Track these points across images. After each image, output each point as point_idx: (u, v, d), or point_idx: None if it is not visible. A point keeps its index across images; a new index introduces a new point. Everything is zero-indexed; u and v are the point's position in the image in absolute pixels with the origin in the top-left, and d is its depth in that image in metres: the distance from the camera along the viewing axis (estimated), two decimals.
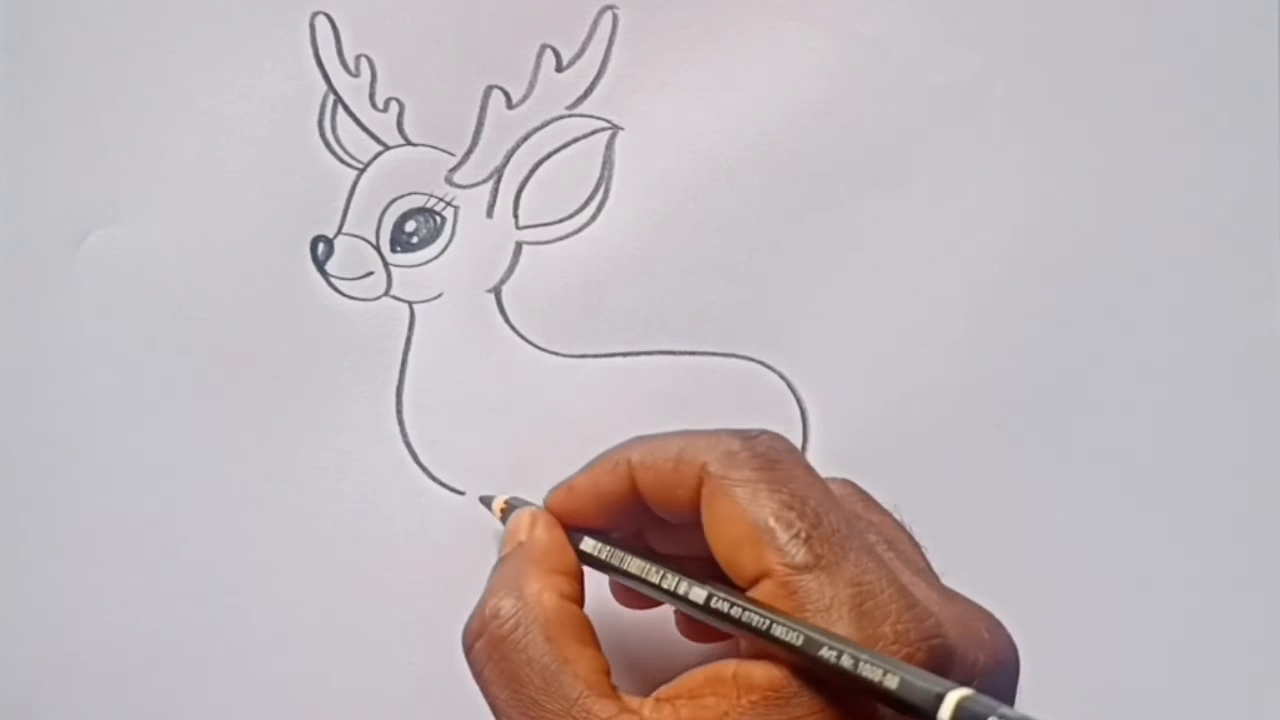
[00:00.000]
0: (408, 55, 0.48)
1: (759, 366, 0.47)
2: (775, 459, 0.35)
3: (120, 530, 0.47)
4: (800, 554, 0.33)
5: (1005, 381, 0.47)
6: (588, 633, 0.36)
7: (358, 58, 0.48)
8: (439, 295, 0.47)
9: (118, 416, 0.47)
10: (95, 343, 0.47)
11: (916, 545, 0.38)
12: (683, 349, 0.47)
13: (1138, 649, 0.47)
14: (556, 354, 0.47)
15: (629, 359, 0.47)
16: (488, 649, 0.36)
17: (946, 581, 0.38)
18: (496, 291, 0.47)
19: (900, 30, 0.48)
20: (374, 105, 0.47)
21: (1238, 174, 0.48)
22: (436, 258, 0.47)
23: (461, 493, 0.47)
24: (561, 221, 0.47)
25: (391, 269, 0.47)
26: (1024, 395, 0.47)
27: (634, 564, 0.37)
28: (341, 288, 0.47)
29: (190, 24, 0.48)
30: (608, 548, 0.38)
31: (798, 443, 0.47)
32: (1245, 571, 0.47)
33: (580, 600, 0.37)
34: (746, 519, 0.33)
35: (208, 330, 0.47)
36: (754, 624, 0.33)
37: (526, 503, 0.42)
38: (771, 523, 0.33)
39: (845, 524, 0.34)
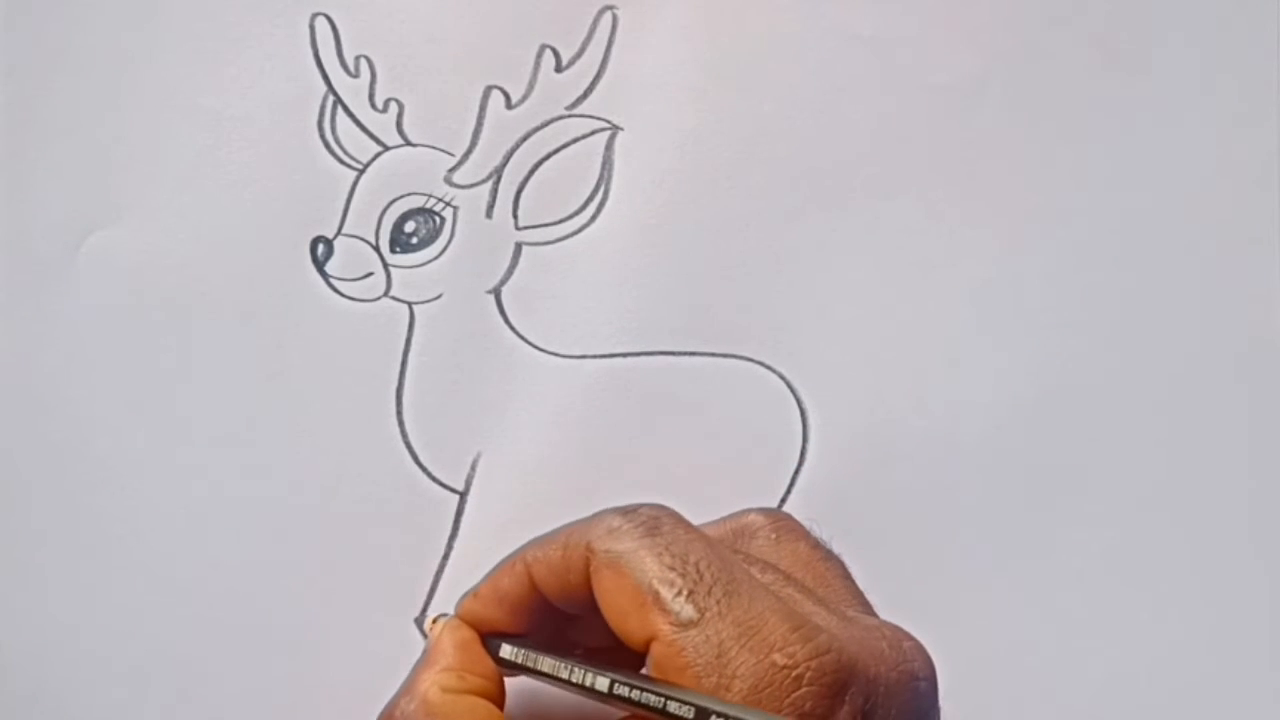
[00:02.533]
0: (407, 56, 0.48)
1: (759, 367, 0.47)
2: (655, 526, 0.35)
3: (120, 530, 0.47)
4: (686, 610, 0.33)
5: (1004, 382, 0.47)
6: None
7: (357, 58, 0.48)
8: (439, 296, 0.47)
9: (118, 416, 0.47)
10: (95, 343, 0.47)
11: (837, 572, 0.39)
12: (683, 349, 0.47)
13: (1138, 649, 0.46)
14: (556, 354, 0.47)
15: (629, 359, 0.47)
16: None
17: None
18: (496, 292, 0.47)
19: (900, 30, 0.48)
20: (373, 106, 0.47)
21: (1238, 174, 0.48)
22: (436, 258, 0.47)
23: (461, 493, 0.47)
24: (561, 222, 0.47)
25: (391, 269, 0.47)
26: (1023, 395, 0.47)
27: (545, 663, 0.37)
28: (341, 288, 0.47)
29: (190, 25, 0.48)
30: (522, 650, 0.38)
31: (797, 443, 0.47)
32: (1247, 572, 0.47)
33: (490, 694, 0.38)
34: (630, 586, 0.34)
35: (208, 330, 0.47)
36: (651, 703, 0.33)
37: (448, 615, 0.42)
38: (655, 585, 0.34)
39: (730, 572, 0.34)
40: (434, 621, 0.43)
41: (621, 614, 0.34)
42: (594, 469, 0.47)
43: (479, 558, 0.46)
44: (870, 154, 0.48)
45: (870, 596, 0.39)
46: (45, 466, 0.47)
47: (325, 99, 0.48)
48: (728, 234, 0.48)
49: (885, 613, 0.40)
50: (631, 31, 0.48)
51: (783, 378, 0.47)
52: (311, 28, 0.48)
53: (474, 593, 0.39)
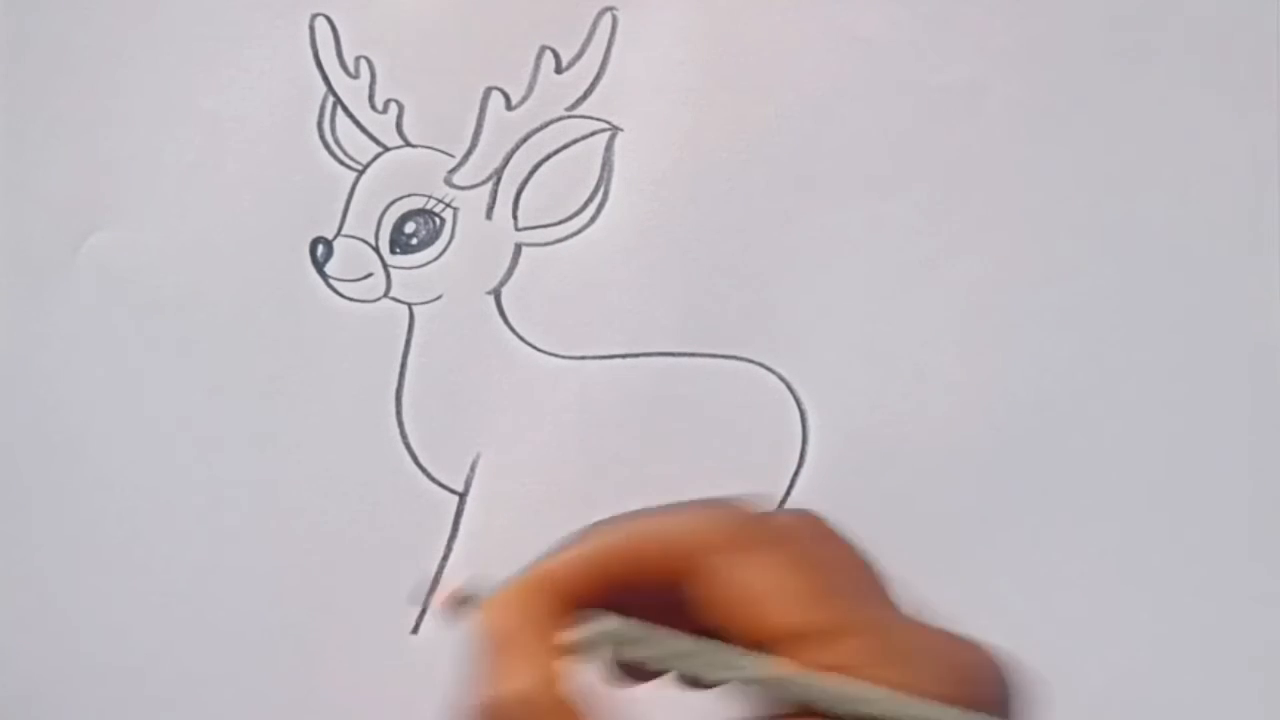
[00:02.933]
0: (407, 57, 0.48)
1: (758, 368, 0.47)
2: (767, 523, 0.35)
3: (120, 530, 0.47)
4: (819, 615, 0.33)
5: (1004, 382, 0.47)
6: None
7: (357, 59, 0.48)
8: (438, 297, 0.47)
9: (118, 417, 0.47)
10: (95, 344, 0.47)
11: (880, 575, 0.39)
12: (682, 350, 0.47)
13: (1138, 649, 0.47)
14: (556, 355, 0.47)
15: (628, 360, 0.47)
16: None
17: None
18: (496, 293, 0.47)
19: (899, 31, 0.48)
20: (373, 107, 0.47)
21: (1238, 174, 0.48)
22: (436, 259, 0.47)
23: (461, 494, 0.47)
24: (561, 223, 0.47)
25: (391, 270, 0.47)
26: (1024, 396, 0.47)
27: (666, 643, 0.35)
28: (341, 289, 0.47)
29: (190, 26, 0.48)
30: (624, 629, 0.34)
31: (797, 444, 0.47)
32: (1249, 575, 0.47)
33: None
34: (759, 585, 0.33)
35: (208, 331, 0.47)
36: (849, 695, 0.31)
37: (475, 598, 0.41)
38: (787, 586, 0.33)
39: (848, 577, 0.34)
40: (456, 598, 0.40)
41: (747, 610, 0.32)
42: (594, 469, 0.47)
43: (478, 558, 0.46)
44: (870, 154, 0.48)
45: None
46: (45, 466, 0.47)
47: (325, 99, 0.48)
48: (728, 234, 0.48)
49: None
50: (631, 33, 0.48)
51: (782, 378, 0.47)
52: (311, 28, 0.48)
53: (543, 568, 0.35)
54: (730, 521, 0.34)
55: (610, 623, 0.34)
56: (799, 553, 0.33)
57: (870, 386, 0.47)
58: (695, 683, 0.34)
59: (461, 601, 0.37)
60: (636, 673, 0.36)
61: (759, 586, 0.33)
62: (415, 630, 0.46)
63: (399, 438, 0.47)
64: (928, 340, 0.47)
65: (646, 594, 0.35)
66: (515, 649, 0.35)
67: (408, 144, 0.48)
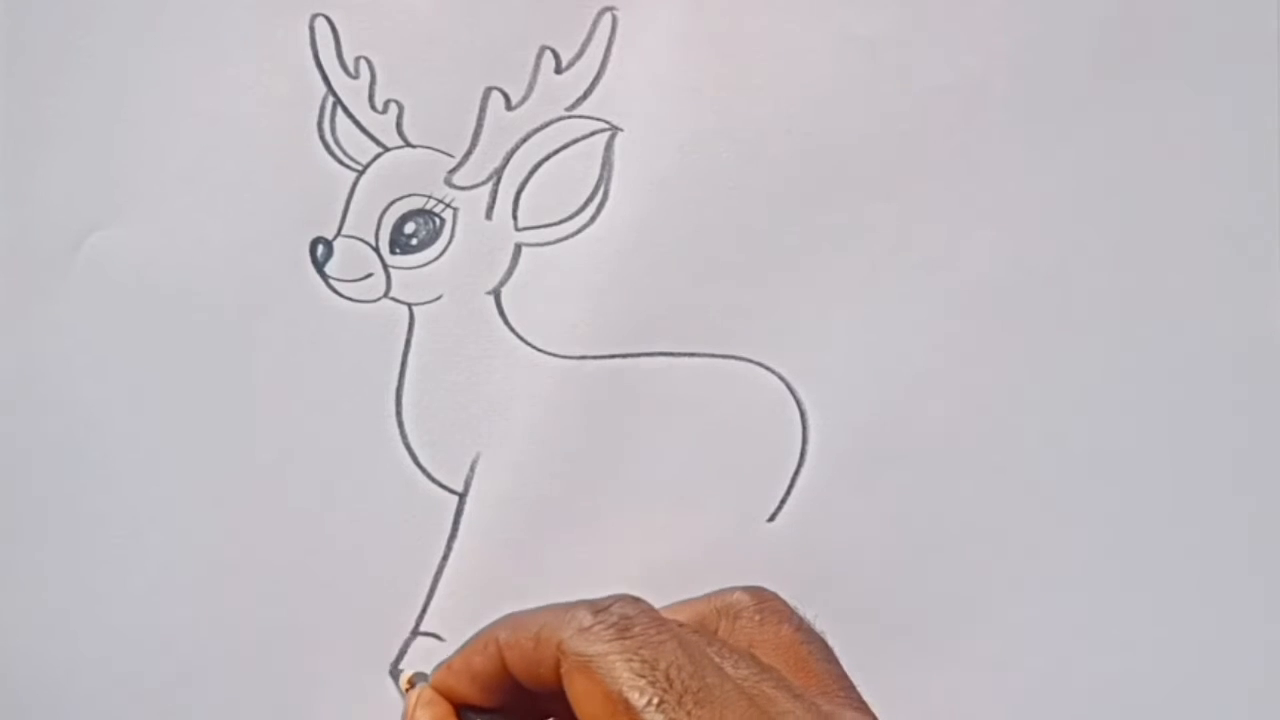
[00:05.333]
0: (407, 57, 0.48)
1: (758, 368, 0.47)
2: (626, 626, 0.35)
3: (119, 530, 0.47)
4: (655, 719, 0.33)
5: (1005, 382, 0.47)
6: None
7: (357, 59, 0.48)
8: (438, 297, 0.47)
9: (117, 417, 0.47)
10: (95, 343, 0.47)
11: (820, 654, 0.39)
12: (682, 350, 0.47)
13: (1138, 649, 0.47)
14: (556, 355, 0.47)
15: (628, 360, 0.47)
16: None
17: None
18: (496, 293, 0.47)
19: (899, 31, 0.48)
20: (373, 107, 0.47)
21: (1238, 174, 0.48)
22: (436, 259, 0.47)
23: (461, 494, 0.47)
24: (561, 223, 0.47)
25: (391, 271, 0.47)
26: (1024, 396, 0.47)
27: None
28: (341, 289, 0.47)
29: (190, 25, 0.48)
30: None
31: (797, 444, 0.47)
32: (1248, 573, 0.47)
33: None
34: (602, 692, 0.34)
35: (208, 331, 0.47)
36: None
37: (426, 677, 0.42)
38: (625, 693, 0.34)
39: (701, 677, 0.34)
40: (409, 681, 0.44)
41: (593, 718, 0.34)
42: (593, 470, 0.47)
43: (478, 559, 0.46)
44: (870, 154, 0.48)
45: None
46: (45, 466, 0.47)
47: (325, 100, 0.48)
48: (727, 234, 0.48)
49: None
50: (631, 32, 0.48)
51: (782, 378, 0.47)
52: (311, 28, 0.48)
53: (448, 665, 0.40)
54: (585, 621, 0.35)
55: None
56: (647, 654, 0.35)
57: (870, 386, 0.47)
58: None
59: (411, 685, 0.41)
60: None
61: (597, 695, 0.34)
62: (416, 630, 0.46)
63: (399, 438, 0.47)
64: (928, 340, 0.47)
65: (542, 687, 0.37)
66: None
67: (408, 144, 0.48)
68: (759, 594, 0.40)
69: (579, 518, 0.47)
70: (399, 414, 0.47)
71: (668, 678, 0.34)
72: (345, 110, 0.48)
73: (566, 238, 0.47)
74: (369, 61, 0.48)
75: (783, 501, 0.47)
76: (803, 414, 0.47)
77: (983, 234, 0.48)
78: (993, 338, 0.47)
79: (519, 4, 0.48)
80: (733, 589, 0.40)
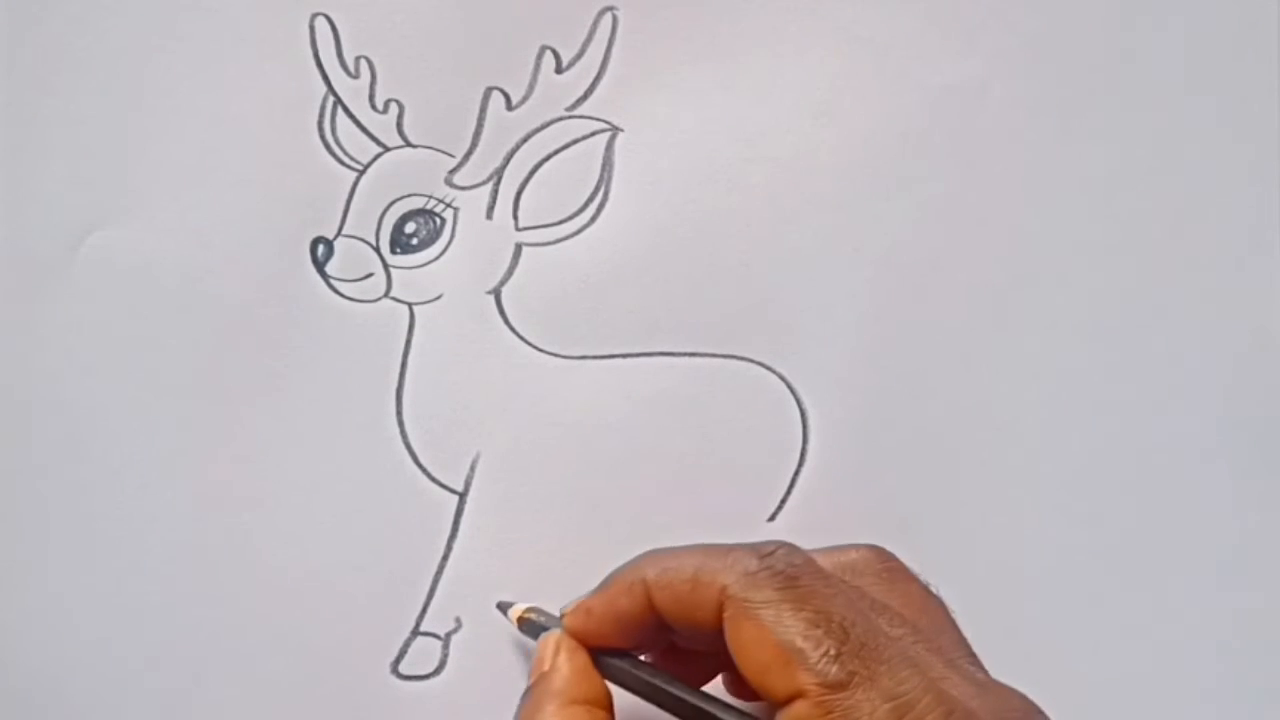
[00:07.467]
0: (407, 57, 0.48)
1: (759, 368, 0.47)
2: (794, 575, 0.34)
3: (119, 530, 0.47)
4: (833, 672, 0.33)
5: (1005, 382, 0.47)
6: None
7: (357, 59, 0.48)
8: (439, 297, 0.47)
9: (118, 416, 0.47)
10: (95, 343, 0.47)
11: (947, 617, 0.38)
12: (682, 350, 0.47)
13: (1138, 649, 0.47)
14: (556, 355, 0.47)
15: (629, 360, 0.47)
16: None
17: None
18: (496, 293, 0.47)
19: (900, 31, 0.48)
20: (374, 107, 0.47)
21: (1238, 174, 0.48)
22: (436, 259, 0.47)
23: (461, 494, 0.47)
24: (561, 223, 0.47)
25: (391, 270, 0.47)
26: (1024, 396, 0.47)
27: (666, 686, 0.37)
28: (341, 289, 0.47)
29: (190, 25, 0.48)
30: (640, 672, 0.38)
31: (797, 444, 0.47)
32: (1247, 573, 0.47)
33: None
34: (772, 641, 0.33)
35: (208, 330, 0.47)
36: None
37: (545, 614, 0.42)
38: (799, 643, 0.33)
39: (873, 633, 0.34)
40: (521, 617, 0.43)
41: (762, 667, 0.33)
42: (594, 469, 0.47)
43: (478, 558, 0.46)
44: (870, 154, 0.48)
45: None
46: (45, 466, 0.47)
47: (325, 99, 0.48)
48: (728, 234, 0.48)
49: None
50: (632, 32, 0.48)
51: (782, 378, 0.47)
52: (311, 28, 0.48)
53: (585, 608, 0.39)
54: (751, 566, 0.35)
55: (614, 663, 0.38)
56: (820, 605, 0.34)
57: (870, 386, 0.47)
58: None
59: (526, 622, 0.40)
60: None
61: (766, 642, 0.34)
62: (416, 629, 0.46)
63: (399, 438, 0.47)
64: (927, 341, 0.47)
65: (695, 629, 0.36)
66: (546, 697, 0.37)
67: (408, 144, 0.48)
68: (880, 552, 0.39)
69: (579, 518, 0.47)
70: (399, 413, 0.47)
71: (843, 630, 0.33)
72: (346, 110, 0.47)
73: (567, 238, 0.47)
74: (369, 61, 0.48)
75: (783, 501, 0.47)
76: (803, 414, 0.47)
77: (982, 235, 0.48)
78: (993, 338, 0.47)
79: (519, 4, 0.48)
80: (848, 546, 0.38)
